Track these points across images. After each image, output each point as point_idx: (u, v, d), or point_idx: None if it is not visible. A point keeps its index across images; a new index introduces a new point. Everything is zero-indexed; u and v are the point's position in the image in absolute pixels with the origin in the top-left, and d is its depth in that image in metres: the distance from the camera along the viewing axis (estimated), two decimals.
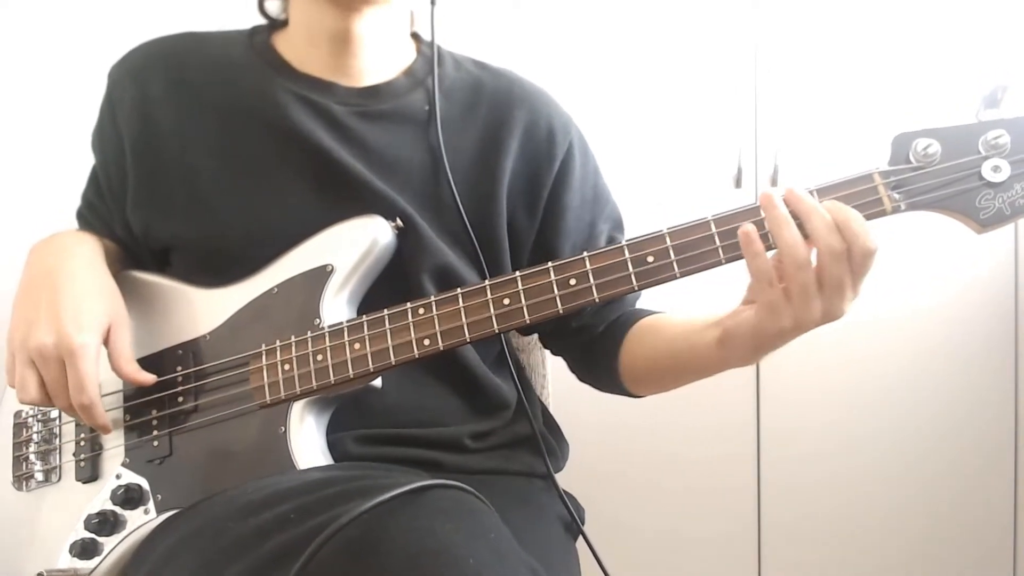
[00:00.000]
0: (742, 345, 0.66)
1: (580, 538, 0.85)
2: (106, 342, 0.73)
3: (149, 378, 0.74)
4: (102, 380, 0.73)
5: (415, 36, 0.87)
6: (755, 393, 1.71)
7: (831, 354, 1.67)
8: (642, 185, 1.64)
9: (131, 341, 0.75)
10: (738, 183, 1.66)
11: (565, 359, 0.93)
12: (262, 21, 0.85)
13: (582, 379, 0.92)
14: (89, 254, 0.78)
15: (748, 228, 0.61)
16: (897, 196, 0.63)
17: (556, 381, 1.02)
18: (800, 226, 0.60)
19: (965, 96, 0.64)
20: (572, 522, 0.84)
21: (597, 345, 0.86)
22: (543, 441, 0.85)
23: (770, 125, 1.67)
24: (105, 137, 0.83)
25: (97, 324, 0.71)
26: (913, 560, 1.71)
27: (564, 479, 0.87)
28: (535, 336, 1.02)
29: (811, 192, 0.63)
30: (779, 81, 1.66)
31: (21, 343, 0.70)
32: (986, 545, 1.69)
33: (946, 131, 0.63)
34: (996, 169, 0.61)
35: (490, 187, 0.81)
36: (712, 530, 1.72)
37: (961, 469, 1.69)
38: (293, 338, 0.72)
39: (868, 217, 0.63)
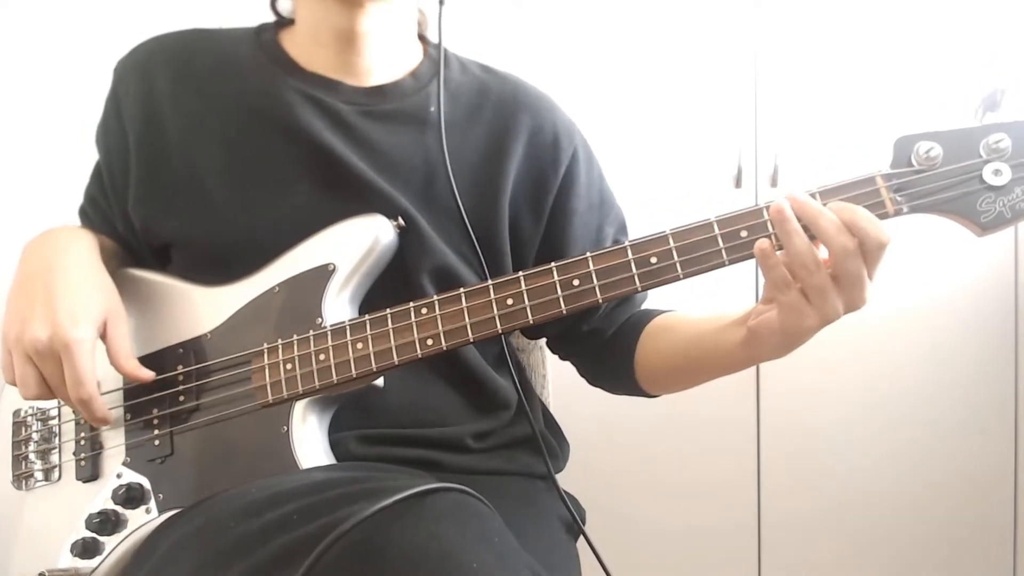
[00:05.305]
0: (770, 344, 0.67)
1: (581, 539, 0.85)
2: (104, 337, 0.72)
3: (148, 375, 0.73)
4: (101, 377, 0.73)
5: (422, 38, 0.87)
6: (755, 392, 1.72)
7: (831, 352, 1.67)
8: (642, 185, 1.64)
9: (129, 336, 0.74)
10: (738, 183, 1.67)
11: (574, 363, 0.93)
12: (269, 19, 0.85)
13: (594, 383, 0.92)
14: (84, 249, 0.77)
15: (764, 245, 0.63)
16: (899, 199, 0.63)
17: (556, 381, 1.02)
18: (807, 229, 0.62)
19: (964, 97, 0.64)
20: (573, 523, 0.84)
21: (609, 347, 0.86)
22: (543, 441, 0.86)
23: (770, 125, 1.67)
24: (110, 132, 0.82)
25: (92, 318, 0.71)
26: (913, 556, 1.72)
27: (565, 479, 0.87)
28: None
29: (814, 195, 0.64)
30: (779, 82, 1.67)
31: (16, 339, 0.69)
32: (986, 541, 1.70)
33: (948, 134, 0.63)
34: (997, 173, 0.62)
35: (493, 191, 0.81)
36: (713, 531, 1.72)
37: (961, 466, 1.70)
38: (295, 337, 0.72)
39: None
